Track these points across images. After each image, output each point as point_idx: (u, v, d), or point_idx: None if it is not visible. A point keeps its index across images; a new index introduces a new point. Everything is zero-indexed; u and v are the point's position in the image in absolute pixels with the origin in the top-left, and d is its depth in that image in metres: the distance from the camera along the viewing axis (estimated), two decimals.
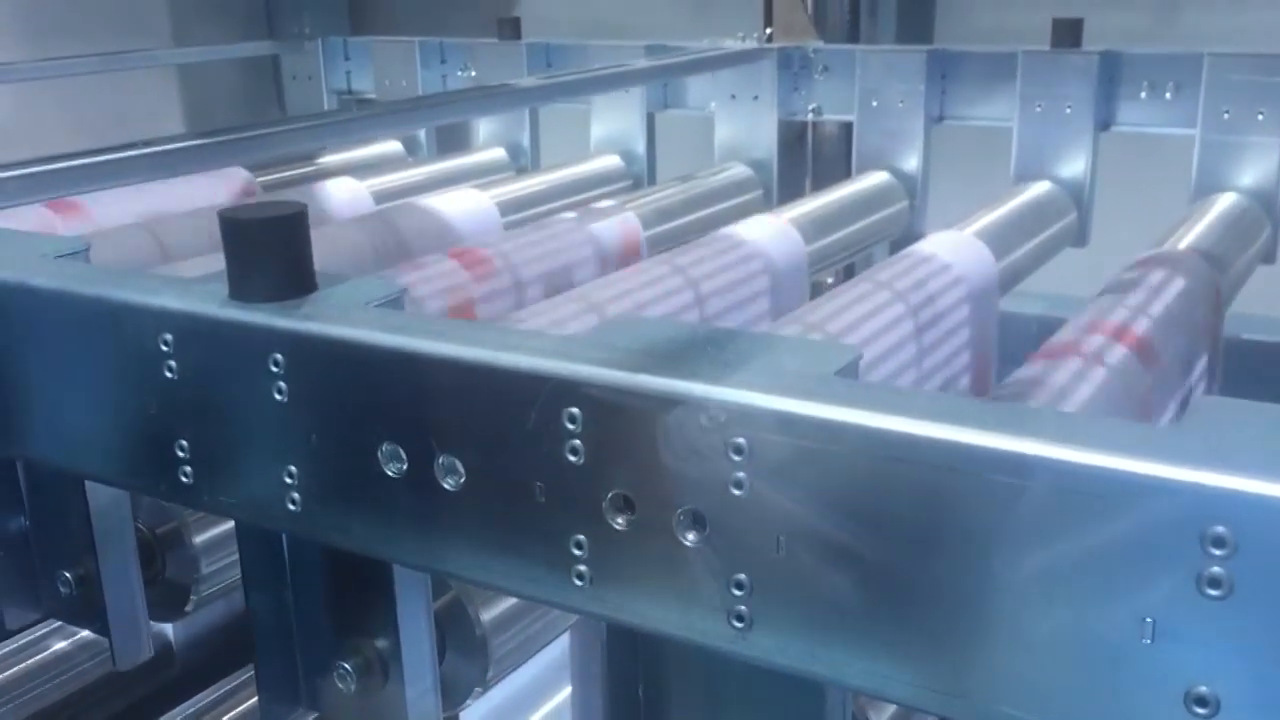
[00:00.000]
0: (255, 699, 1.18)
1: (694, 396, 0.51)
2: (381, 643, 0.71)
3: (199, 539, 0.88)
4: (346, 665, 0.71)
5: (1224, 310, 1.35)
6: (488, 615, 0.80)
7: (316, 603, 0.72)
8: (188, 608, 0.90)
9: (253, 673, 1.18)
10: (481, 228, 1.61)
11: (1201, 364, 1.27)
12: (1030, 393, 0.98)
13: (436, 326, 0.59)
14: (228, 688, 1.19)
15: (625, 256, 1.53)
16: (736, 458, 0.50)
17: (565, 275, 1.44)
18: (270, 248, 0.63)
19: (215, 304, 0.63)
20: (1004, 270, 1.43)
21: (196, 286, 0.65)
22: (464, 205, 1.61)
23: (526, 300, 1.39)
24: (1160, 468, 0.43)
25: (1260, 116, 1.51)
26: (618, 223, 1.54)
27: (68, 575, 0.83)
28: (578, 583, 0.56)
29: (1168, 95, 1.59)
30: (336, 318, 0.61)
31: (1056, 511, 0.45)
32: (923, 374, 1.27)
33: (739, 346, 0.55)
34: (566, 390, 0.54)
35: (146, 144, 1.06)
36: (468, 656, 0.81)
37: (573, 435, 0.54)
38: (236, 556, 0.78)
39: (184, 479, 0.67)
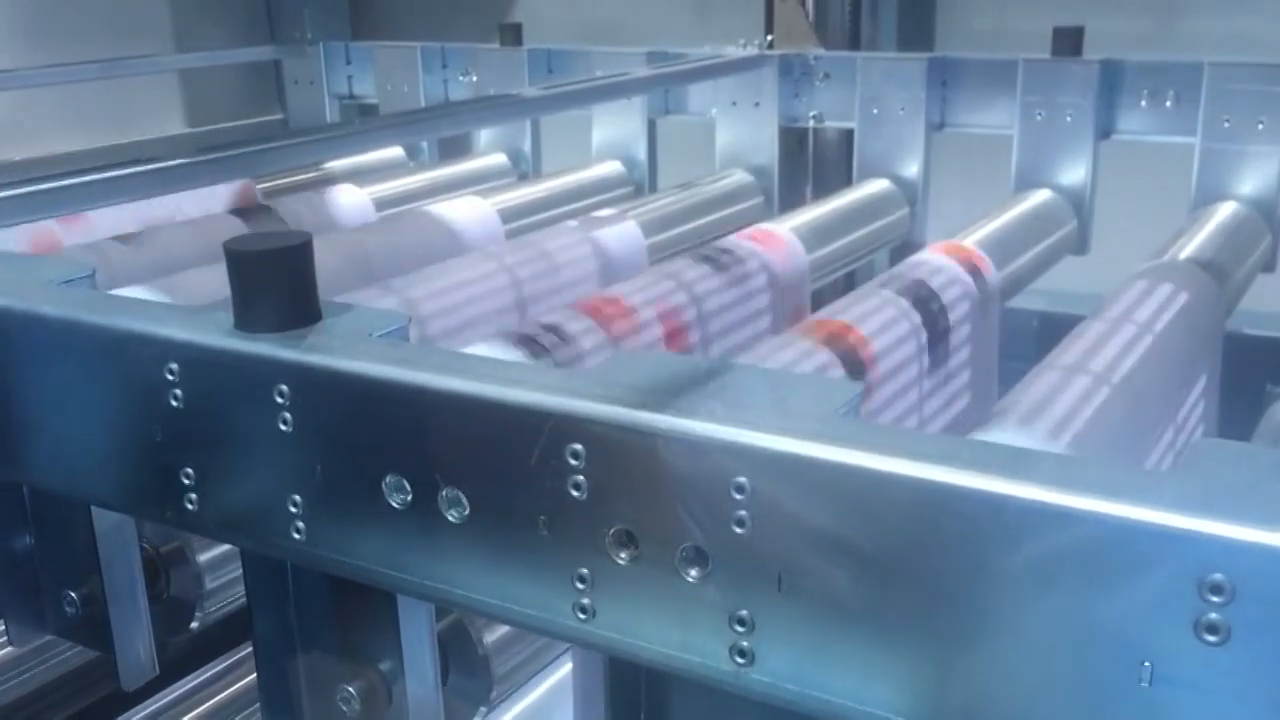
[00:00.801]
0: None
1: (696, 435, 0.51)
2: (385, 665, 0.71)
3: (203, 557, 0.88)
4: (350, 688, 0.71)
5: (1224, 321, 1.35)
6: (490, 636, 0.81)
7: (320, 626, 0.72)
8: (193, 624, 0.90)
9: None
10: (484, 235, 1.62)
11: (1202, 375, 1.27)
12: (1030, 410, 0.98)
13: (440, 360, 0.59)
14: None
15: (627, 265, 1.53)
16: (738, 496, 0.51)
17: (567, 284, 1.44)
18: (275, 279, 0.63)
19: (220, 334, 0.64)
20: (1005, 279, 1.44)
21: (202, 316, 0.65)
22: (467, 213, 1.62)
23: (528, 310, 1.39)
24: (1159, 515, 0.43)
25: (1260, 125, 1.52)
26: (619, 230, 1.55)
27: (73, 595, 0.83)
28: (580, 616, 0.56)
29: (1168, 104, 1.59)
30: (341, 349, 0.61)
31: (1056, 554, 0.45)
32: (923, 376, 1.27)
33: (741, 383, 0.55)
34: (569, 426, 0.54)
35: (151, 160, 1.06)
36: (471, 677, 0.82)
37: (576, 471, 0.54)
38: (240, 573, 0.79)
39: (190, 506, 0.67)
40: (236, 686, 1.25)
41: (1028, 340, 1.69)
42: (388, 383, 0.59)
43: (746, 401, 0.53)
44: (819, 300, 1.56)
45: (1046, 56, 1.64)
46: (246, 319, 0.63)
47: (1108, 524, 0.44)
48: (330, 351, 0.61)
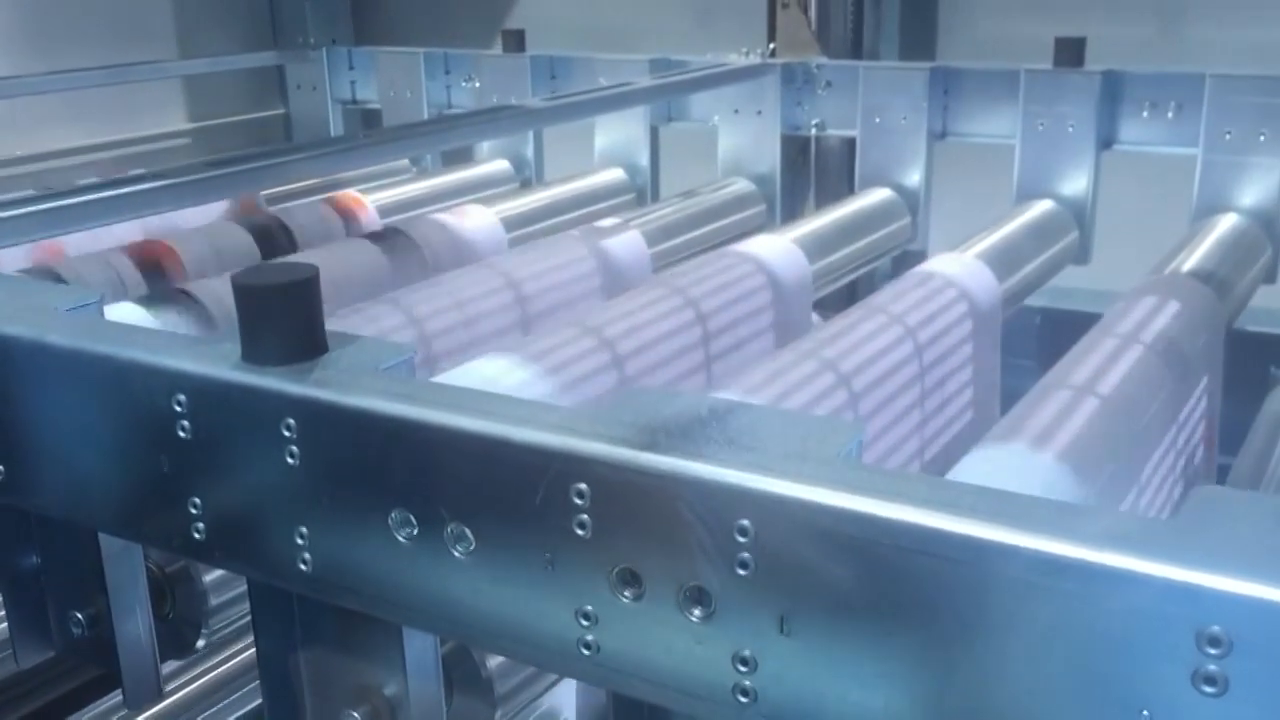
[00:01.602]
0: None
1: (699, 478, 0.52)
2: (389, 690, 0.72)
3: (208, 577, 0.89)
4: (354, 713, 0.72)
5: (1225, 334, 1.36)
6: (494, 660, 0.82)
7: (324, 651, 0.72)
8: (199, 644, 0.91)
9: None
10: (488, 244, 1.62)
11: (1201, 389, 1.27)
12: (1030, 430, 0.99)
13: (446, 396, 0.60)
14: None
15: (630, 274, 1.54)
16: (741, 539, 0.51)
17: (570, 295, 1.45)
18: (282, 312, 0.64)
19: (227, 366, 0.64)
20: (1006, 291, 1.44)
21: (209, 348, 0.66)
22: (471, 221, 1.63)
23: (530, 320, 1.40)
24: (1157, 566, 0.44)
25: (1262, 137, 1.52)
26: (623, 240, 1.55)
27: (79, 616, 0.84)
28: (585, 652, 0.57)
29: (1170, 115, 1.60)
30: (347, 384, 0.61)
31: (1055, 603, 0.45)
32: (925, 392, 1.28)
33: (744, 423, 0.55)
34: (574, 466, 0.55)
35: (157, 175, 1.07)
36: (475, 699, 0.82)
37: (580, 510, 0.55)
38: (245, 592, 0.80)
39: (197, 535, 0.68)
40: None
41: (1029, 337, 1.70)
42: (393, 419, 0.59)
43: (750, 443, 0.53)
44: (821, 310, 1.56)
45: (1048, 67, 1.65)
46: (253, 352, 0.64)
47: (1107, 574, 0.44)
48: (337, 386, 0.61)
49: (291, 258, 1.42)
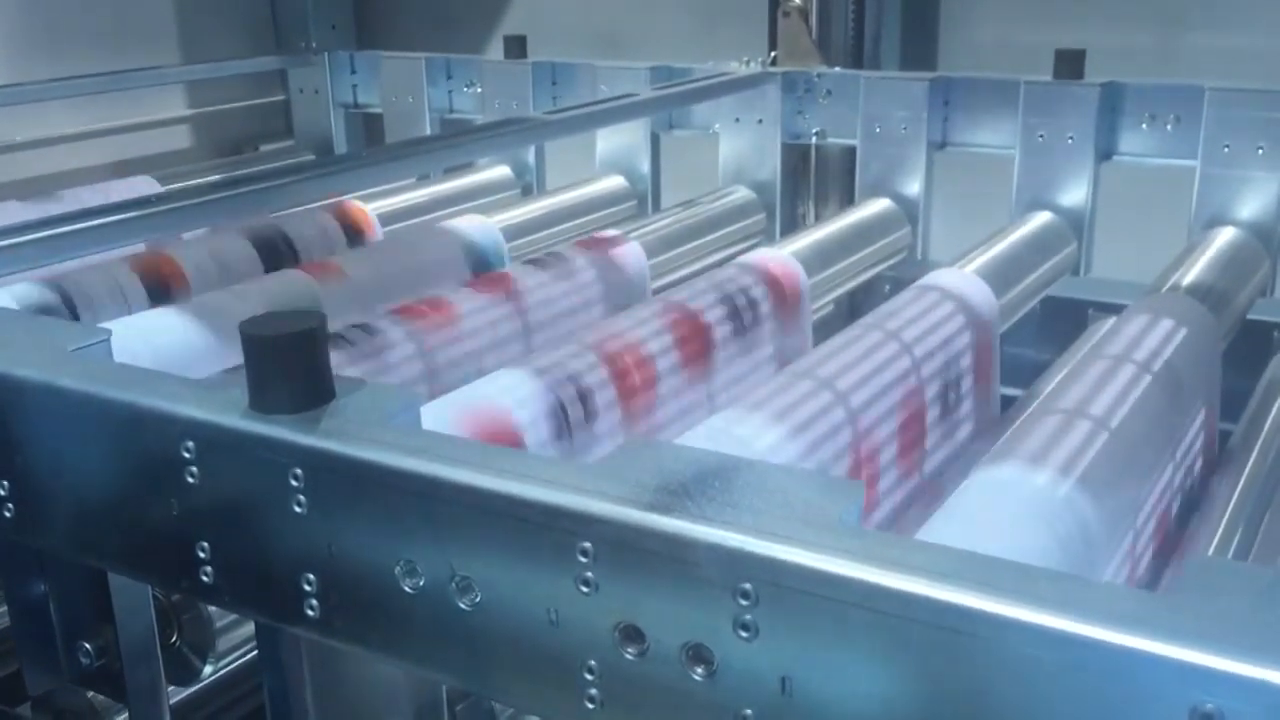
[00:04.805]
0: None
1: (701, 540, 0.53)
2: None
3: (214, 607, 0.90)
4: None
5: (1222, 348, 1.36)
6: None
7: (333, 690, 0.73)
8: (205, 672, 0.92)
9: None
10: (490, 254, 1.63)
11: (1199, 406, 1.28)
12: (1023, 454, 0.99)
13: (453, 450, 0.61)
14: None
15: (631, 286, 1.55)
16: (744, 601, 0.52)
17: (572, 309, 1.46)
18: (290, 362, 0.64)
19: (236, 415, 0.65)
20: (1005, 304, 1.45)
21: (218, 394, 0.67)
22: (472, 231, 1.63)
23: (531, 332, 1.41)
24: (1152, 643, 0.44)
25: (1260, 150, 1.53)
26: (623, 252, 1.56)
27: (88, 646, 0.85)
28: (590, 705, 0.58)
29: (1168, 127, 1.60)
30: (354, 434, 0.62)
31: (1052, 676, 0.46)
32: (923, 406, 1.28)
33: (748, 482, 0.56)
34: (579, 524, 0.56)
35: (161, 199, 1.07)
36: None
37: (585, 568, 0.56)
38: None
39: (205, 579, 0.69)
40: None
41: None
42: (400, 472, 0.60)
43: (753, 504, 0.54)
44: (820, 320, 1.57)
45: (1048, 79, 1.65)
46: (261, 400, 0.65)
47: (1103, 649, 0.45)
48: (344, 437, 0.62)
49: (296, 268, 1.42)
